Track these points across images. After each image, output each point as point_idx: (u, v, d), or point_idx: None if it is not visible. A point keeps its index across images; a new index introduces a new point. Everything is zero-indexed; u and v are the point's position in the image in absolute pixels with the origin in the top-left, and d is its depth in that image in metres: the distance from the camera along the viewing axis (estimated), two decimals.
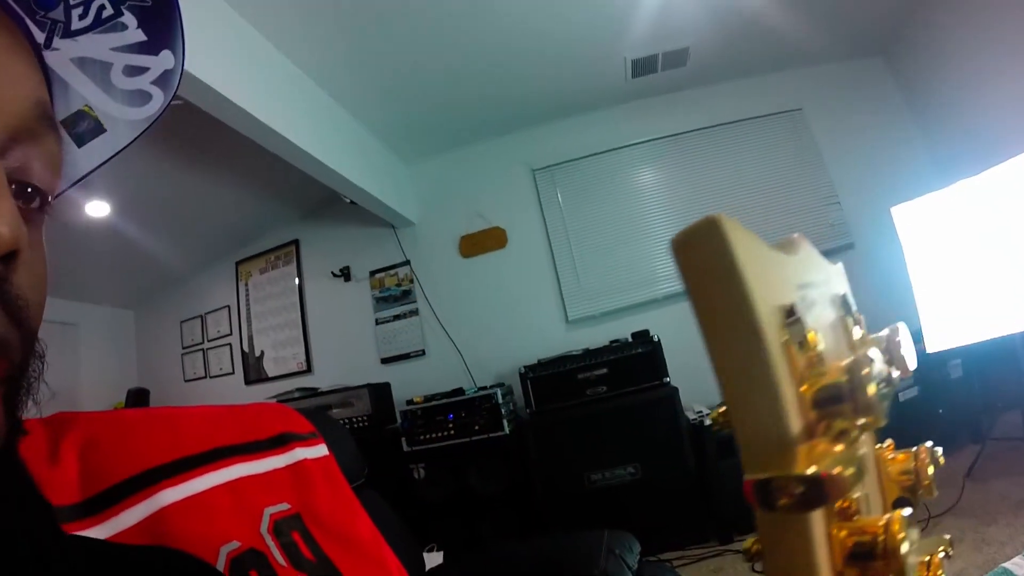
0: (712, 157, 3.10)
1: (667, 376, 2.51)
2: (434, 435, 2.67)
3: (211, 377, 3.75)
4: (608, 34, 2.53)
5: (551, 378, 2.56)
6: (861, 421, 0.13)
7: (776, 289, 0.13)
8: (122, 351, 4.01)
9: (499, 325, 3.00)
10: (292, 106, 2.15)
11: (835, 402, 0.13)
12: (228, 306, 3.66)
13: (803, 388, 0.13)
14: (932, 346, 2.45)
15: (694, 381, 2.69)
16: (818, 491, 0.12)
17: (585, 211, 3.06)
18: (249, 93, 1.84)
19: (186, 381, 3.85)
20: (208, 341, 3.75)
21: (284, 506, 0.46)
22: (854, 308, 0.19)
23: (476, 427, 2.61)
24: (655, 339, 2.56)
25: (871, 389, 0.13)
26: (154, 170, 2.66)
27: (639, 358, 2.53)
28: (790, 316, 0.13)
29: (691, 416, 2.57)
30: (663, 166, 3.13)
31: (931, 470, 0.19)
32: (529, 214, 3.11)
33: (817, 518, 0.13)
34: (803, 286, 0.15)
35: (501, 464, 2.57)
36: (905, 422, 2.53)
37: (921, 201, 2.50)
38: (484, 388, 2.68)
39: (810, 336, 0.14)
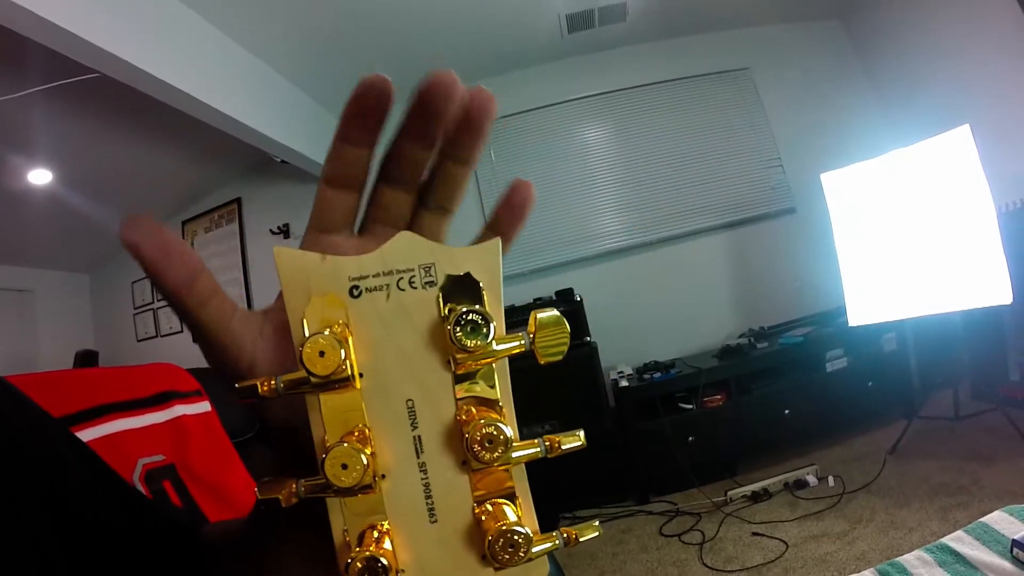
0: (653, 115, 3.03)
1: (588, 335, 2.51)
2: None
3: (161, 336, 3.76)
4: None
5: None
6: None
7: (319, 282, 0.22)
8: (78, 314, 4.02)
9: None
10: (211, 69, 2.10)
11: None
12: None
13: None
14: (855, 319, 2.39)
15: (616, 340, 2.68)
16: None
17: (517, 168, 2.99)
18: (161, 60, 1.80)
19: (139, 341, 3.87)
20: (158, 301, 3.75)
21: (159, 457, 0.53)
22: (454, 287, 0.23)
23: None
24: (578, 298, 2.57)
25: (307, 349, 0.20)
26: (91, 139, 2.65)
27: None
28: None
29: (612, 376, 2.56)
30: (600, 124, 3.06)
31: (478, 435, 0.20)
32: None
33: (313, 400, 0.21)
34: (357, 279, 0.22)
35: None
36: (832, 392, 2.47)
37: (851, 169, 2.42)
38: None
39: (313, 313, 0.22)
